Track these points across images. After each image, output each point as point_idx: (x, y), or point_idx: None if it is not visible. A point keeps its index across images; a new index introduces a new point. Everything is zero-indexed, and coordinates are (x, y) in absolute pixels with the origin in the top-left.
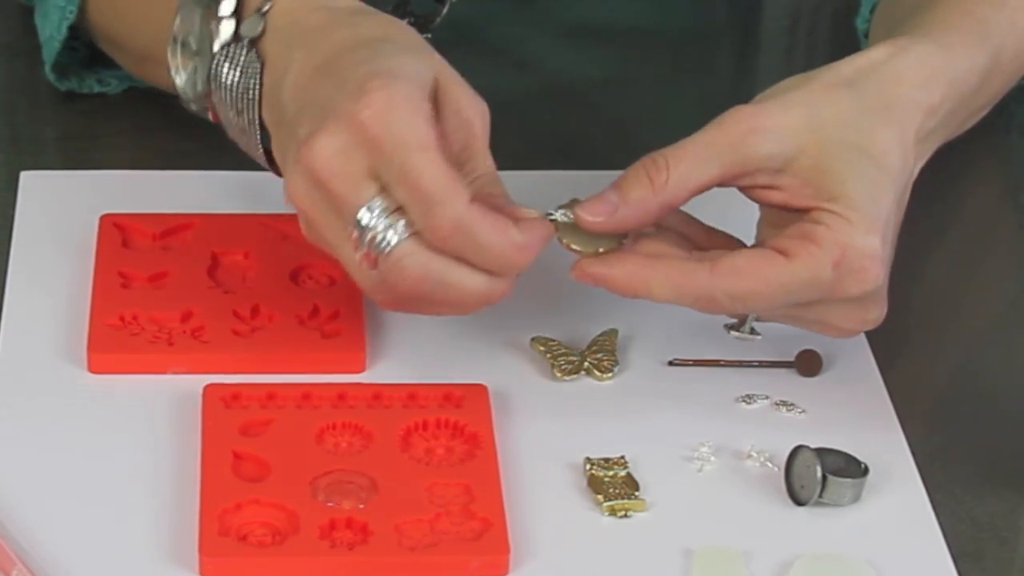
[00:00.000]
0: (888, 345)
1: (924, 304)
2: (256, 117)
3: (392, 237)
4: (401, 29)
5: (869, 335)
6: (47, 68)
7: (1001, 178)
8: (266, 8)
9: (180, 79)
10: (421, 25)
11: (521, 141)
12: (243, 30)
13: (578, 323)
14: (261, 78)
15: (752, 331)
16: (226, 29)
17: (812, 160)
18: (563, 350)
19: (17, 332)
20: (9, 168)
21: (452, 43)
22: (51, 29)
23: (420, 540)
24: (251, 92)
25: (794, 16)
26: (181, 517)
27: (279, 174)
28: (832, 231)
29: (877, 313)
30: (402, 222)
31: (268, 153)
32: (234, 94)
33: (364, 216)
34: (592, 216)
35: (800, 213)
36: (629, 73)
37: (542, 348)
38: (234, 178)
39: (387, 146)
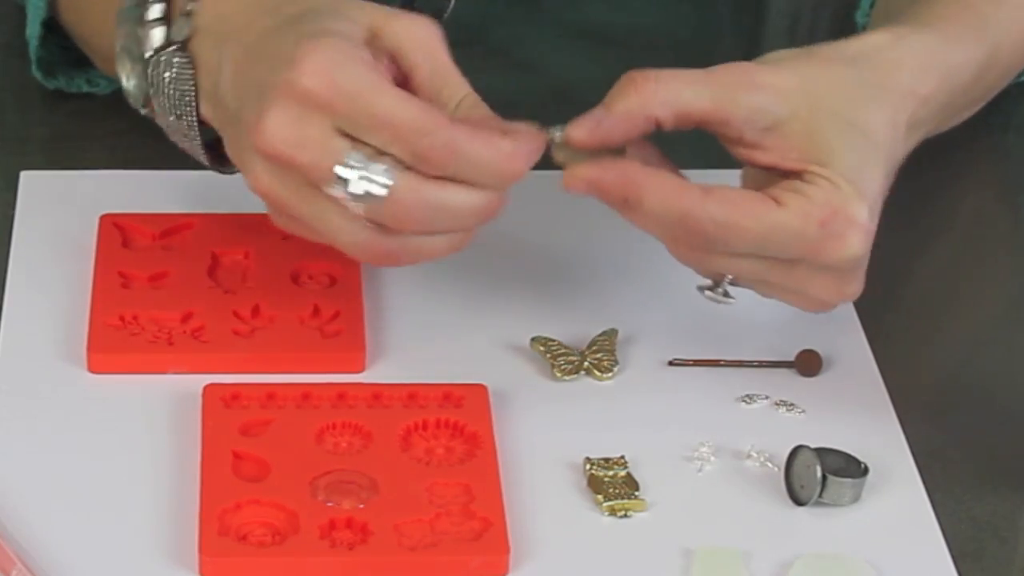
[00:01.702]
0: (888, 345)
1: (924, 304)
2: (195, 119)
3: (383, 181)
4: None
5: (869, 335)
6: (33, 66)
7: (1000, 177)
8: (189, 8)
9: (131, 84)
10: None
11: None
12: (172, 34)
13: (578, 323)
14: (195, 80)
15: (726, 294)
16: (156, 35)
17: (802, 124)
18: (563, 350)
19: (17, 332)
20: (9, 168)
21: (454, 43)
22: (30, 28)
23: (420, 540)
24: (187, 95)
25: (795, 16)
26: (181, 517)
27: (224, 172)
28: (824, 192)
29: (855, 288)
30: (384, 165)
31: (210, 153)
32: (172, 99)
33: (344, 172)
34: (579, 131)
35: (786, 175)
36: None
37: (542, 348)
38: (234, 178)
39: (342, 101)
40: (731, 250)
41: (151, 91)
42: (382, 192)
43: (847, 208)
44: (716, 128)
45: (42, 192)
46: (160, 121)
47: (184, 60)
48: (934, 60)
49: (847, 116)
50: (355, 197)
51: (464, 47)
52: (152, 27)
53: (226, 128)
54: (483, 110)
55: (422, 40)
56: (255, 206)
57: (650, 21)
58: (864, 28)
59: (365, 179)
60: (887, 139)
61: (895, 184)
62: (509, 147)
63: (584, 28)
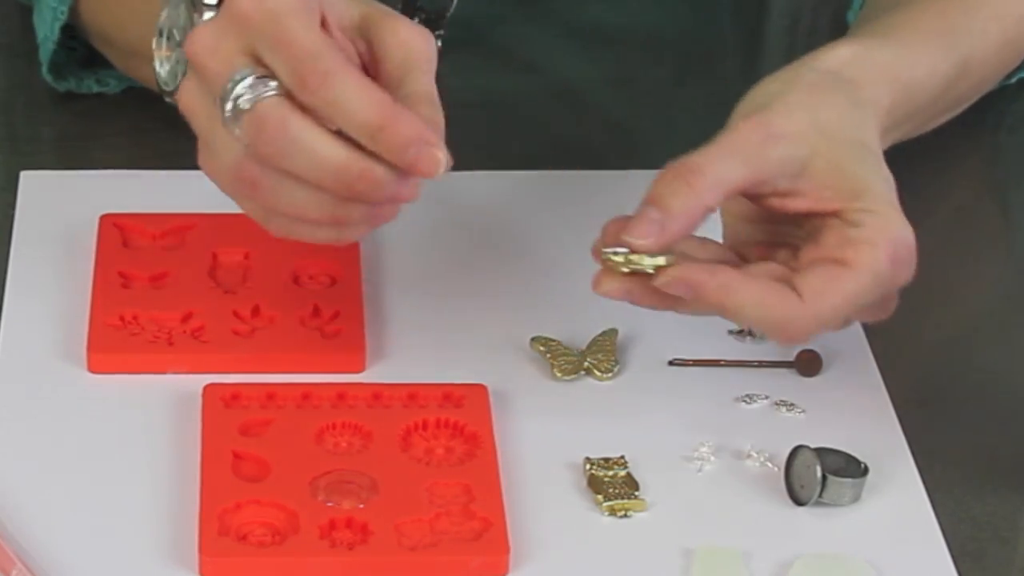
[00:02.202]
0: (888, 345)
1: (924, 303)
2: None
3: (255, 95)
4: None
5: (869, 335)
6: (43, 69)
7: (1000, 178)
8: None
9: (163, 70)
10: (432, 21)
11: (523, 141)
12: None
13: (578, 323)
14: None
15: (755, 334)
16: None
17: (826, 161)
18: (563, 350)
19: (17, 332)
20: (9, 168)
21: (456, 43)
22: (45, 30)
23: (420, 540)
24: None
25: (795, 16)
26: (181, 517)
27: None
28: (878, 229)
29: (894, 303)
30: (272, 84)
31: None
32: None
33: (231, 86)
34: (641, 239)
35: (820, 218)
36: (632, 75)
37: (542, 348)
38: None
39: (258, 17)
40: (829, 330)
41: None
42: (249, 104)
43: (902, 235)
44: (753, 190)
45: (42, 192)
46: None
47: None
48: (891, 74)
49: (857, 140)
50: (228, 111)
51: (465, 47)
52: (207, 11)
53: None
54: (430, 109)
55: (408, 40)
56: None
57: (650, 21)
58: None
59: (244, 94)
60: (881, 150)
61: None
62: (386, 101)
63: (584, 28)
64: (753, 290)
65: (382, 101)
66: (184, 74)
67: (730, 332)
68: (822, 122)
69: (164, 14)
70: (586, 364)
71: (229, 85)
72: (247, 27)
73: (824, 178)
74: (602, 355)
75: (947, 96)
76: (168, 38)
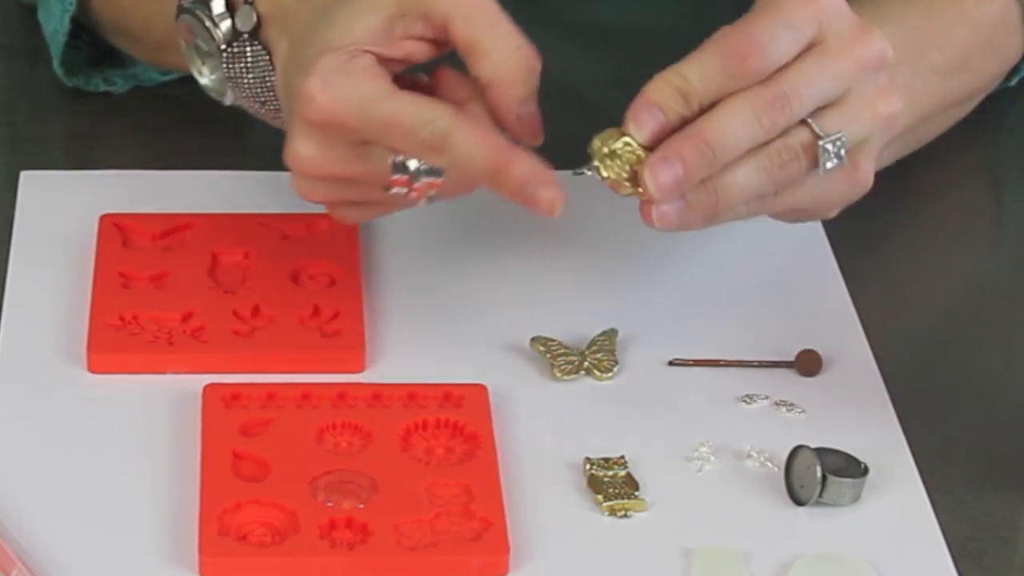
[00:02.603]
0: (888, 345)
1: (923, 303)
2: (278, 104)
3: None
4: None
5: (869, 335)
6: (56, 62)
7: (1000, 178)
8: None
9: (206, 80)
10: None
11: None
12: (239, 25)
13: (578, 323)
14: (272, 65)
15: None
16: (224, 27)
17: None
18: (563, 350)
19: (17, 332)
20: (9, 168)
21: None
22: (55, 24)
23: (420, 540)
24: (267, 82)
25: None
26: (181, 517)
27: None
28: None
29: (894, 104)
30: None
31: None
32: (251, 87)
33: (400, 167)
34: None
35: None
36: (631, 73)
37: (542, 348)
38: (234, 178)
39: (351, 118)
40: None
41: (230, 84)
42: (436, 175)
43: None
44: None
45: (42, 192)
46: (249, 108)
47: (257, 49)
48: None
49: None
50: (413, 177)
51: None
52: (221, 20)
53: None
54: (533, 68)
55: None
56: (255, 206)
57: (651, 21)
58: None
59: (416, 168)
60: None
61: (893, 185)
62: (503, 146)
63: (585, 28)
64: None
65: (496, 146)
66: (231, 83)
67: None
68: None
69: (182, 31)
70: (586, 364)
71: (394, 173)
72: (345, 130)
73: None
74: (602, 355)
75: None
76: (196, 49)
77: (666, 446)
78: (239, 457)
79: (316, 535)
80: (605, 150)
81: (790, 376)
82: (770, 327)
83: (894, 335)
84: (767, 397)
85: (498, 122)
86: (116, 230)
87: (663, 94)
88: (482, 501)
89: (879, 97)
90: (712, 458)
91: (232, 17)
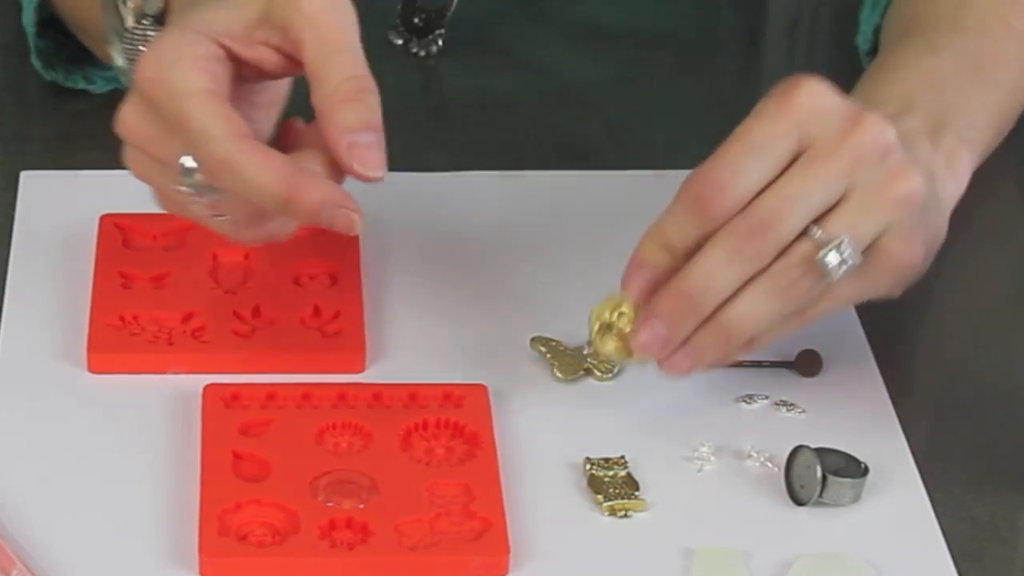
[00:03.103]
0: (888, 345)
1: (924, 304)
2: None
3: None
4: None
5: (869, 335)
6: (32, 55)
7: (1000, 178)
8: None
9: (120, 62)
10: (432, 21)
11: (523, 141)
12: (146, 7)
13: (578, 323)
14: None
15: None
16: (132, 10)
17: None
18: (563, 350)
19: (17, 332)
20: (9, 168)
21: (455, 42)
22: (26, 16)
23: (420, 540)
24: None
25: (795, 16)
26: (181, 517)
27: None
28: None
29: (908, 182)
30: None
31: None
32: None
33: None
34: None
35: None
36: (632, 74)
37: (542, 348)
38: None
39: (163, 99)
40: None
41: (131, 65)
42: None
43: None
44: None
45: (42, 192)
46: None
47: (160, 32)
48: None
49: None
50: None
51: (465, 47)
52: (131, 2)
53: None
54: (354, 109)
55: (311, 14)
56: None
57: (651, 21)
58: (867, 54)
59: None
60: None
61: None
62: (287, 171)
63: (585, 28)
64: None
65: (283, 173)
66: (132, 64)
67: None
68: None
69: (105, 15)
70: (586, 364)
71: (180, 177)
72: (155, 106)
73: None
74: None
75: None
76: (115, 31)
77: (666, 446)
78: (239, 457)
79: (316, 535)
80: (597, 325)
81: (790, 376)
82: None
83: (894, 335)
84: (767, 397)
85: (334, 156)
86: (116, 230)
87: (648, 251)
88: (482, 501)
89: (891, 182)
90: (712, 458)
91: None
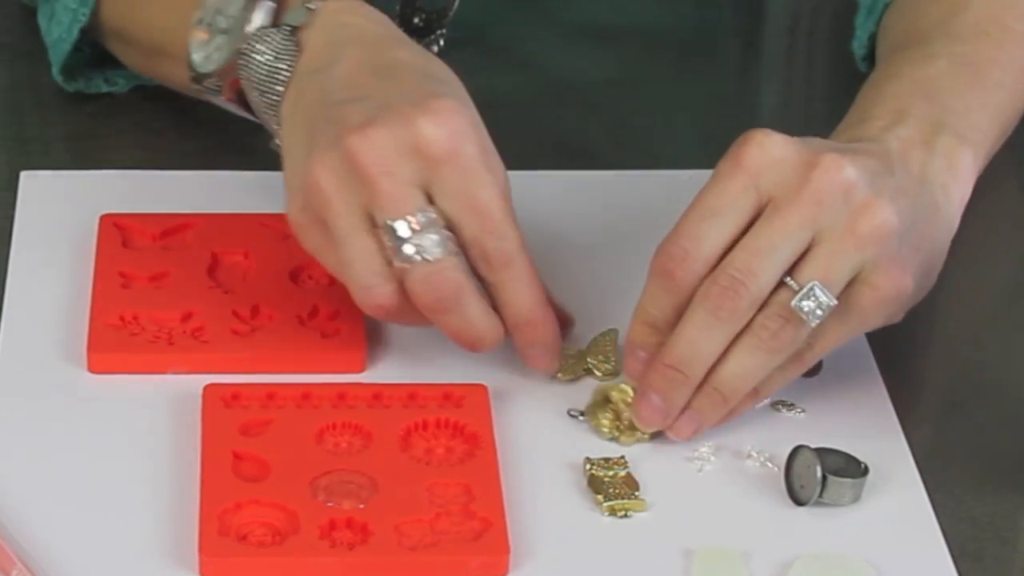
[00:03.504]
0: (888, 345)
1: (924, 304)
2: (278, 99)
3: (437, 249)
4: (441, 67)
5: (869, 335)
6: (56, 70)
7: (1000, 178)
8: (314, 6)
9: (198, 55)
10: (432, 21)
11: (522, 141)
12: (288, 18)
13: (578, 323)
14: (293, 63)
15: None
16: (266, 13)
17: None
18: (563, 350)
19: (17, 332)
20: (9, 168)
21: (455, 42)
22: (61, 31)
23: (420, 540)
24: (281, 75)
25: (795, 16)
26: (181, 517)
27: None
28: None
29: (876, 215)
30: (450, 237)
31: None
32: (262, 75)
33: (403, 225)
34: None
35: None
36: (631, 73)
37: None
38: (234, 178)
39: (456, 168)
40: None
41: (241, 62)
42: (433, 257)
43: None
44: None
45: (42, 192)
46: (245, 90)
47: (289, 43)
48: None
49: None
50: (400, 248)
51: (465, 47)
52: (263, 5)
53: (311, 110)
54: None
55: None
56: (255, 206)
57: (650, 20)
58: (861, 58)
59: (422, 238)
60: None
61: None
62: (542, 301)
63: (584, 27)
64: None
65: (540, 300)
66: (225, 60)
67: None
68: None
69: (209, 5)
70: (586, 364)
71: (403, 222)
72: (433, 166)
73: None
74: (602, 355)
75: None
76: (210, 24)
77: (666, 446)
78: (239, 457)
79: (316, 535)
80: (594, 398)
81: None
82: None
83: (894, 335)
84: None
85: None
86: (116, 230)
87: (636, 333)
88: (482, 501)
89: (857, 219)
90: (712, 458)
91: (278, 8)
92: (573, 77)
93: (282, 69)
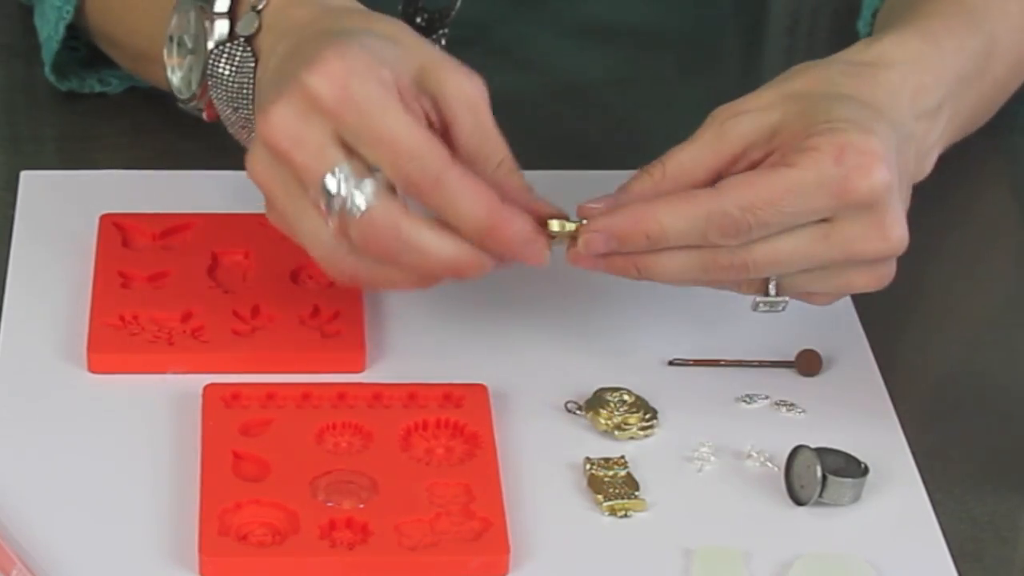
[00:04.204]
0: (888, 345)
1: (925, 304)
2: (251, 113)
3: (363, 200)
4: (390, 24)
5: (869, 335)
6: (47, 69)
7: (1001, 179)
8: (261, 6)
9: (176, 78)
10: (434, 21)
11: (525, 141)
12: (239, 28)
13: (578, 325)
14: (255, 74)
15: (777, 294)
16: (221, 27)
17: (798, 114)
18: None
19: (17, 332)
20: (9, 168)
21: (457, 42)
22: (49, 30)
23: (420, 540)
24: (246, 88)
25: (795, 16)
26: (181, 517)
27: None
28: (827, 137)
29: (898, 231)
30: (370, 183)
31: None
32: (230, 90)
33: (331, 182)
34: (592, 205)
35: None
36: (633, 73)
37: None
38: (234, 178)
39: (344, 109)
40: (764, 231)
41: (209, 82)
42: (358, 210)
43: (855, 140)
44: (728, 169)
45: (42, 192)
46: (217, 109)
47: (247, 54)
48: (918, 52)
49: (837, 93)
50: (332, 209)
51: (465, 46)
52: (217, 19)
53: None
54: (519, 179)
55: (468, 95)
56: (255, 206)
57: (651, 20)
58: (865, 36)
59: (347, 193)
60: (887, 105)
61: None
62: (494, 202)
63: (585, 27)
64: (664, 205)
65: (491, 202)
66: (199, 82)
67: (753, 305)
68: (792, 89)
69: (174, 21)
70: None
71: (326, 182)
72: (330, 116)
73: (796, 126)
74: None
75: (984, 76)
76: (179, 44)
77: (666, 446)
78: (239, 457)
79: (316, 535)
80: (596, 404)
81: (790, 376)
82: (770, 327)
83: (894, 335)
84: (767, 397)
85: (523, 207)
86: (116, 230)
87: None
88: (482, 501)
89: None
90: (712, 458)
91: (231, 19)
92: (575, 77)
93: (246, 83)
